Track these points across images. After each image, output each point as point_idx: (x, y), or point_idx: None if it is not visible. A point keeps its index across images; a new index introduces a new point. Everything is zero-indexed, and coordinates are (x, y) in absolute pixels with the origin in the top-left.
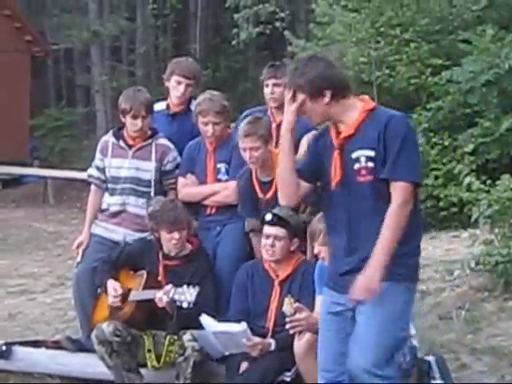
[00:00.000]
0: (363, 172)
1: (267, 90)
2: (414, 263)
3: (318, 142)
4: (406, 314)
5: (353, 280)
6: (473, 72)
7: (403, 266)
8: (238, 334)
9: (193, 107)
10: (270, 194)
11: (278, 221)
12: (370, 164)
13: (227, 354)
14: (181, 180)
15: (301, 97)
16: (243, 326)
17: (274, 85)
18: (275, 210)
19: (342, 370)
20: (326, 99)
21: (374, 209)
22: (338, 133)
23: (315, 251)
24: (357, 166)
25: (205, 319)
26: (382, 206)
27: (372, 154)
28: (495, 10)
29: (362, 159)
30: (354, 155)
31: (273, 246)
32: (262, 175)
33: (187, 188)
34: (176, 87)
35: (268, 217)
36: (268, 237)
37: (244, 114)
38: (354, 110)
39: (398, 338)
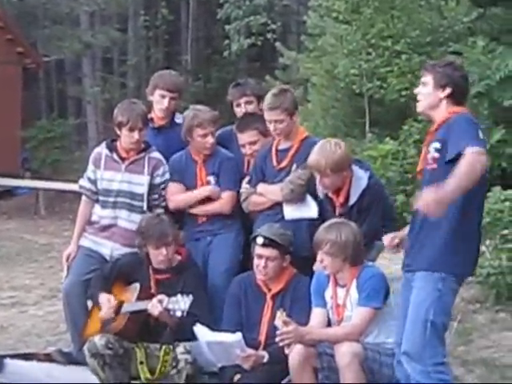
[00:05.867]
0: (430, 161)
1: (238, 110)
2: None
3: None
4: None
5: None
6: None
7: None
8: (233, 343)
9: (177, 120)
10: (283, 164)
11: (269, 243)
12: (436, 154)
13: (219, 366)
14: (171, 187)
15: None
16: (238, 336)
17: (246, 102)
18: (265, 232)
19: None
20: (446, 93)
21: None
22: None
23: (318, 258)
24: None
25: (199, 328)
26: None
27: (438, 145)
28: (486, 22)
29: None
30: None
31: (265, 267)
32: (282, 144)
33: (178, 195)
34: (160, 101)
35: (260, 240)
36: (260, 257)
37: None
38: (444, 112)
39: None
